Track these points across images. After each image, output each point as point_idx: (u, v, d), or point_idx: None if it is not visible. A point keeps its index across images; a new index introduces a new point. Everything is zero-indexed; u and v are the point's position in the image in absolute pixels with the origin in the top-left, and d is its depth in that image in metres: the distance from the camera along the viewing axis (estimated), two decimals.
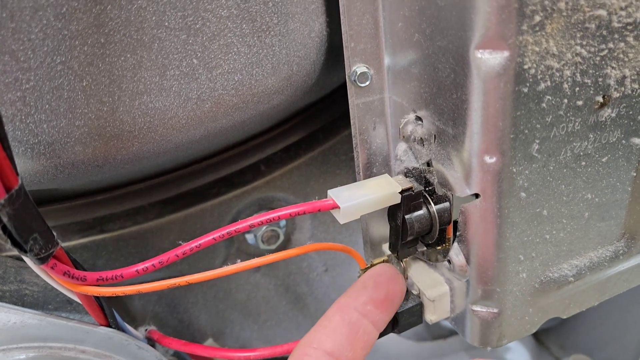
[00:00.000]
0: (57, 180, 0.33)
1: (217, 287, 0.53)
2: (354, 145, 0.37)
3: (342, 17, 0.33)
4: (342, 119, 0.51)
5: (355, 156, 0.38)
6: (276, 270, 0.55)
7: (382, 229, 0.41)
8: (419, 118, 0.35)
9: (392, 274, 0.34)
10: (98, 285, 0.32)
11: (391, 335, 0.39)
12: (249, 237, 0.52)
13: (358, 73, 0.35)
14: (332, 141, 0.50)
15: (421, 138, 0.35)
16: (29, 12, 0.27)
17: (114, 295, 0.33)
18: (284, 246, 0.52)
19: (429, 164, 0.36)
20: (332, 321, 0.32)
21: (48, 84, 0.29)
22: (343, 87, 0.39)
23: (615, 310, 0.70)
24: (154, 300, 0.51)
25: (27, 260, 0.29)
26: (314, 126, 0.50)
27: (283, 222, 0.52)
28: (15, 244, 0.27)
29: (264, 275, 0.54)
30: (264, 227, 0.51)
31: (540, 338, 0.78)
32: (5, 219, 0.26)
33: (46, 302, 0.40)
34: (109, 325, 0.37)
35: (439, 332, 0.74)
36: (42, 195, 0.44)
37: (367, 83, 0.35)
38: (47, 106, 0.29)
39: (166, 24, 0.30)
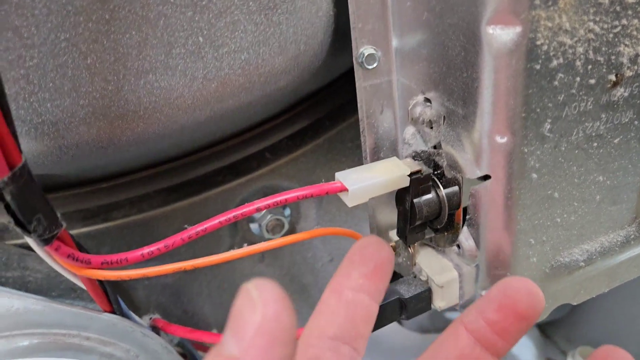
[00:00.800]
0: (61, 162, 0.33)
1: (222, 277, 0.53)
2: (361, 130, 0.37)
3: None
4: (348, 105, 0.51)
5: (362, 140, 0.37)
6: (281, 260, 0.54)
7: (389, 215, 0.40)
8: (427, 100, 0.35)
9: (376, 243, 0.32)
10: (102, 269, 0.32)
11: (396, 326, 0.38)
12: (254, 227, 0.51)
13: (365, 55, 0.34)
14: (337, 128, 0.50)
15: (430, 120, 0.35)
16: None
17: (119, 279, 0.32)
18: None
19: (437, 147, 0.35)
20: (328, 305, 0.31)
21: (52, 61, 0.28)
22: (349, 73, 0.39)
23: (622, 302, 0.70)
24: (158, 290, 0.50)
25: (31, 241, 0.29)
26: (320, 113, 0.50)
27: (288, 212, 0.52)
28: (18, 223, 0.27)
29: (269, 265, 0.54)
30: (269, 216, 0.50)
31: (547, 330, 0.78)
32: (8, 198, 0.25)
33: (50, 289, 0.40)
34: (113, 312, 0.37)
35: (443, 324, 0.73)
36: (45, 183, 0.44)
37: (375, 65, 0.35)
38: (50, 84, 0.29)
39: (172, 0, 0.29)
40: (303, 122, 0.49)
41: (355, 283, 0.31)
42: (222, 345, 0.21)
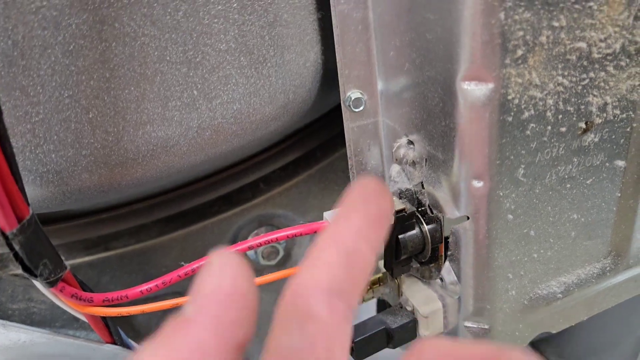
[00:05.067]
0: (65, 205, 0.35)
1: None
2: (349, 166, 0.39)
3: (336, 46, 0.34)
4: (338, 137, 0.52)
5: (350, 176, 0.39)
6: (276, 284, 0.56)
7: None
8: (410, 142, 0.37)
9: (376, 184, 0.27)
10: (104, 306, 0.34)
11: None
12: (250, 253, 0.53)
13: (352, 98, 0.36)
14: (329, 159, 0.52)
15: (413, 161, 0.37)
16: (38, 50, 0.28)
17: (120, 315, 0.34)
18: (283, 261, 0.53)
19: (422, 185, 0.37)
20: (325, 252, 0.26)
21: (56, 116, 0.30)
22: (339, 106, 0.40)
23: (613, 319, 0.71)
24: (158, 315, 0.52)
25: (37, 284, 0.31)
26: (312, 144, 0.52)
27: None
28: (26, 269, 0.29)
29: (264, 290, 0.55)
30: None
31: (538, 347, 0.79)
32: (17, 247, 0.27)
33: (53, 319, 0.41)
34: (114, 343, 0.39)
35: None
36: (48, 215, 0.46)
37: (362, 108, 0.37)
38: (55, 137, 0.31)
39: (168, 58, 0.31)
40: (295, 153, 0.51)
41: (357, 229, 0.26)
42: (181, 310, 0.20)
